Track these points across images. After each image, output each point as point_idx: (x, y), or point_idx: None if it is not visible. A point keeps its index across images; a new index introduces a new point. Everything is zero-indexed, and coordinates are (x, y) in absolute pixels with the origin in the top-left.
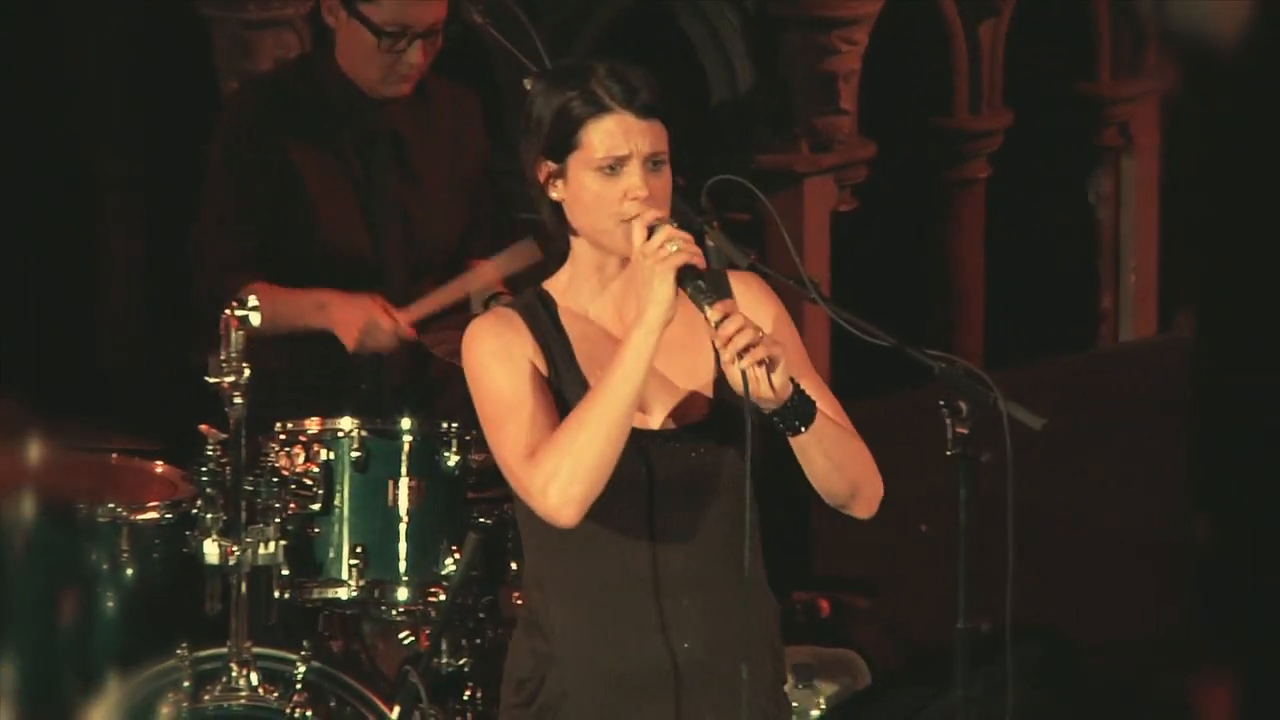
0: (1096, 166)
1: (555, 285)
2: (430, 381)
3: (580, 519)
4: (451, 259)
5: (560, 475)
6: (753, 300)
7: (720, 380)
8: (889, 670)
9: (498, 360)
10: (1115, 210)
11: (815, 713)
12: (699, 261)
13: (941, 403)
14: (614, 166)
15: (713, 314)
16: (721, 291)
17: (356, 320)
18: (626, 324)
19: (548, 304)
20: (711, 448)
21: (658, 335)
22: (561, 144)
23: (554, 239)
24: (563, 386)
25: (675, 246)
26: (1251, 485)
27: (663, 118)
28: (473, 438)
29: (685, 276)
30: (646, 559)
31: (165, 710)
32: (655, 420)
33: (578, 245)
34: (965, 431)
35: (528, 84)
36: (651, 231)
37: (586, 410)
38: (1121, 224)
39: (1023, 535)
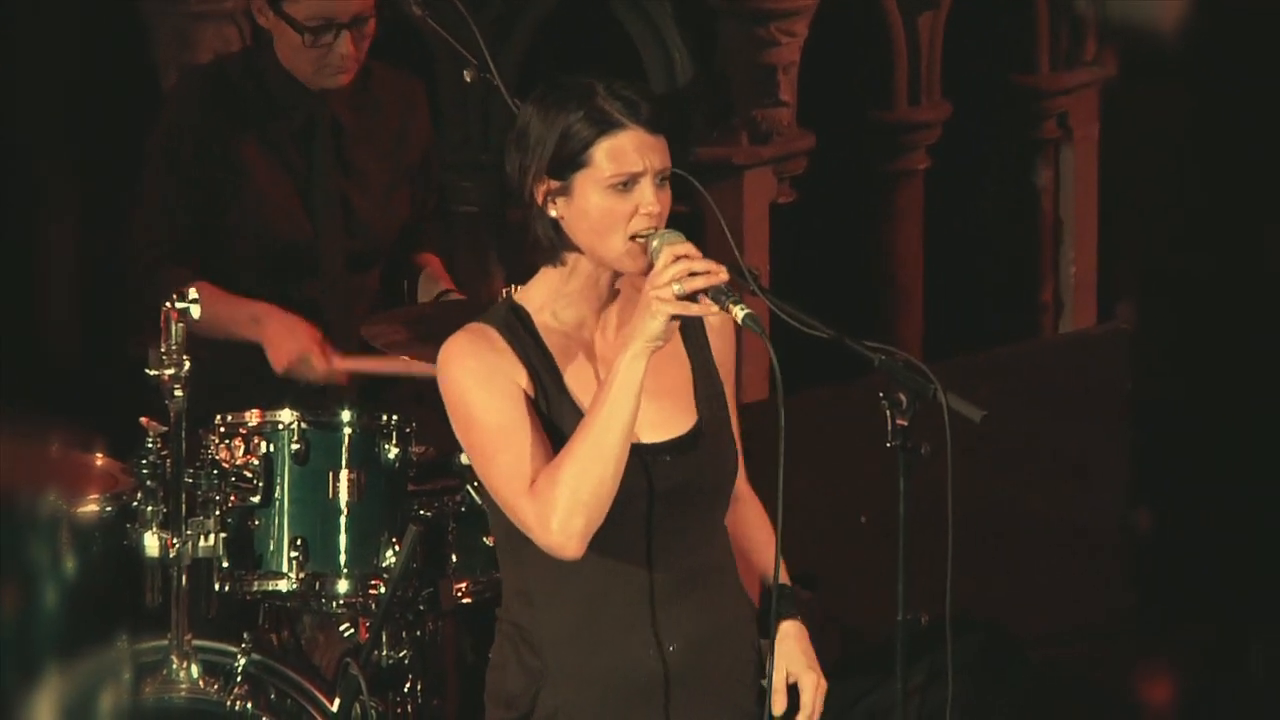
0: (1035, 158)
1: (529, 297)
2: (364, 384)
3: (583, 549)
4: (398, 248)
5: (560, 510)
6: (720, 330)
7: (700, 390)
8: (829, 661)
9: (481, 385)
10: (1054, 202)
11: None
12: (704, 283)
13: (881, 394)
14: (626, 184)
15: (737, 311)
16: (733, 292)
17: (290, 349)
18: (610, 340)
19: (524, 319)
20: (699, 458)
21: (644, 363)
22: (568, 162)
23: (542, 253)
24: (551, 407)
25: (678, 289)
26: (1189, 476)
27: (667, 132)
28: (413, 430)
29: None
30: (640, 570)
31: (106, 702)
32: (645, 434)
33: (574, 260)
34: (905, 423)
35: (467, 76)
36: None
37: (582, 442)
38: (1061, 215)
39: (962, 527)
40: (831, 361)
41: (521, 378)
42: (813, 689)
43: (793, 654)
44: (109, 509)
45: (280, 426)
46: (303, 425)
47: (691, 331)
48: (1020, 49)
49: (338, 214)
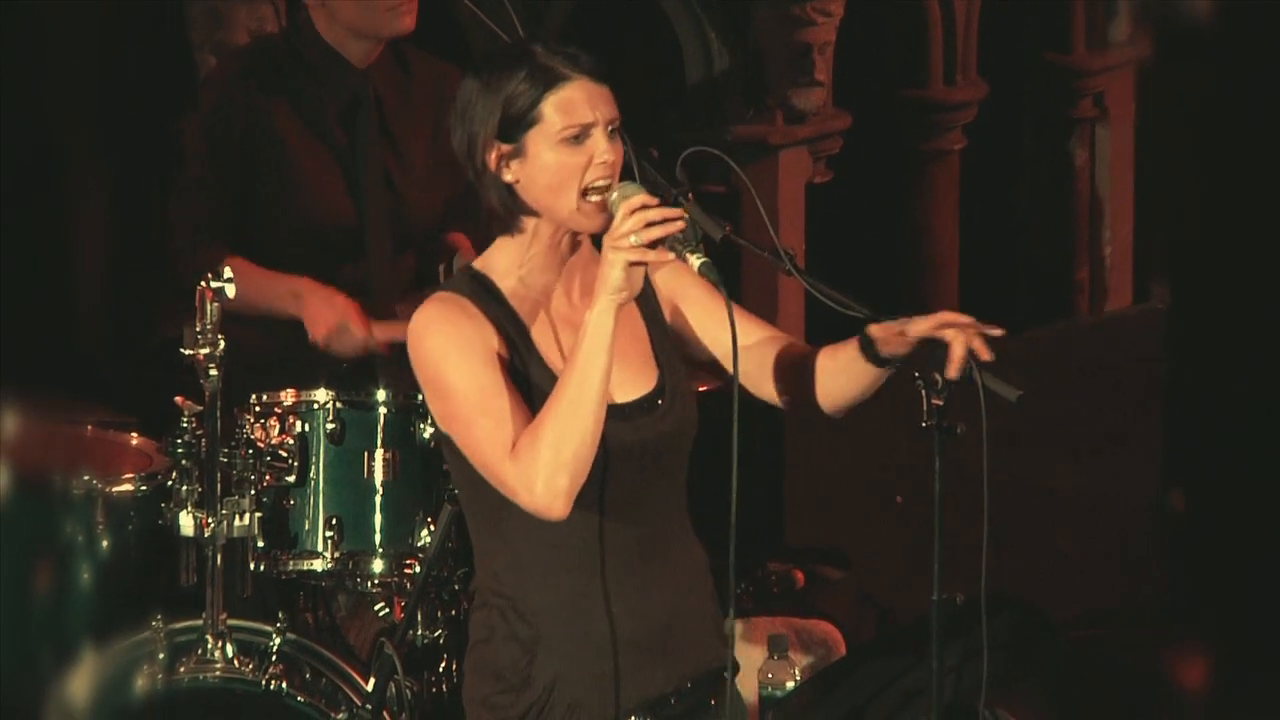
0: (1071, 138)
1: (491, 266)
2: (407, 354)
3: (569, 509)
4: (433, 233)
5: (544, 470)
6: (665, 285)
7: (658, 350)
8: (863, 641)
9: (458, 351)
10: (1090, 181)
11: (790, 684)
12: (660, 233)
13: (916, 374)
14: (579, 136)
15: (694, 260)
16: (689, 240)
17: (329, 319)
18: (577, 303)
19: (489, 285)
20: (665, 416)
21: (612, 316)
22: (517, 122)
23: (499, 222)
24: (527, 369)
25: (635, 239)
26: (1225, 456)
27: (611, 83)
28: None
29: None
30: (621, 528)
31: (140, 682)
32: (616, 394)
33: (533, 225)
34: (940, 403)
35: None
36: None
37: (559, 401)
38: (1097, 195)
39: (997, 506)
40: None
41: (495, 341)
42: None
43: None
44: (144, 488)
45: (315, 406)
46: (338, 404)
47: (644, 296)
48: (1056, 28)
49: (383, 193)
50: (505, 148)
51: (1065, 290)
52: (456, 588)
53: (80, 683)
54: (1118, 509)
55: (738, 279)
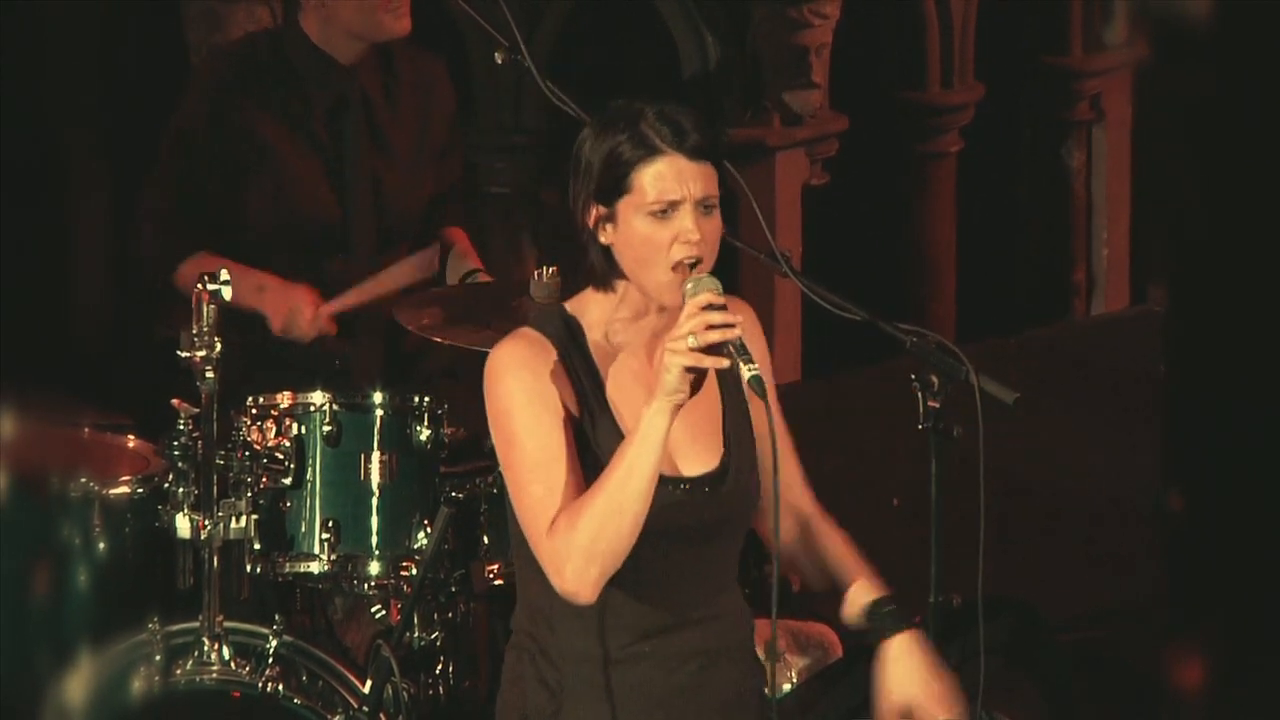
0: (1068, 140)
1: (585, 313)
2: (403, 355)
3: (596, 596)
4: (423, 224)
5: (576, 558)
6: (750, 331)
7: (729, 426)
8: (860, 643)
9: (530, 404)
10: (1087, 183)
11: (786, 686)
12: (719, 337)
13: (913, 377)
14: (665, 210)
15: (745, 372)
16: (745, 351)
17: (281, 309)
18: (657, 366)
19: (577, 334)
20: (725, 495)
21: (667, 418)
22: (612, 188)
23: (596, 279)
24: (594, 431)
25: (693, 341)
26: (1223, 457)
27: (714, 160)
28: (445, 411)
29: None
30: (660, 599)
31: (137, 684)
32: (682, 467)
33: (624, 286)
34: (937, 405)
35: (498, 57)
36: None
37: (601, 494)
38: (1094, 197)
39: (995, 509)
40: (864, 343)
41: (569, 397)
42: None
43: (907, 677)
44: (140, 491)
45: (312, 408)
46: (334, 407)
47: (731, 380)
48: (1053, 30)
49: (368, 191)
50: (602, 210)
51: (1062, 292)
52: (453, 590)
53: (77, 685)
54: (1115, 510)
55: (735, 281)
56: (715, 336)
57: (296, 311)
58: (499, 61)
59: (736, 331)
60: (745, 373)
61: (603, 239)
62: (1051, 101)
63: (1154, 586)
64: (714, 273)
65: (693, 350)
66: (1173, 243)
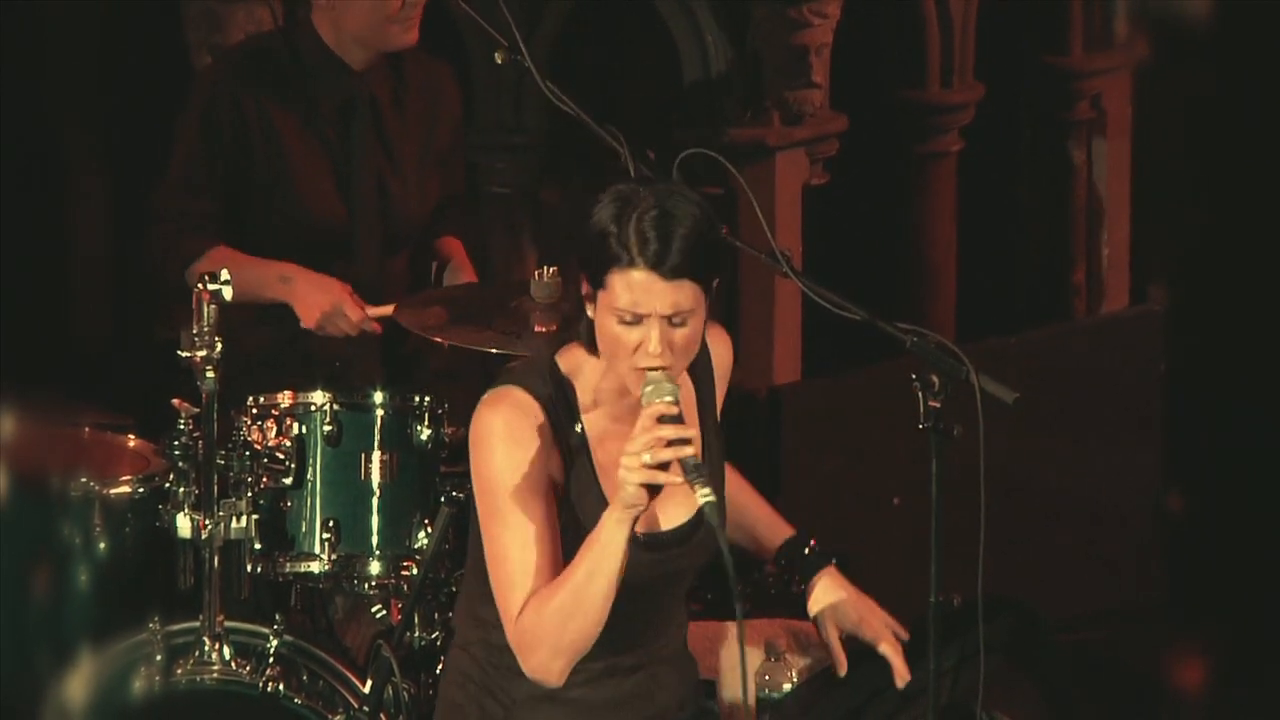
0: (1068, 140)
1: (578, 374)
2: (403, 355)
3: (563, 680)
4: (424, 233)
5: (543, 650)
6: (723, 362)
7: (708, 460)
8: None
9: (513, 478)
10: (1088, 183)
11: (786, 685)
12: (670, 455)
13: (914, 376)
14: (632, 320)
15: (699, 494)
16: (700, 472)
17: (321, 302)
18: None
19: (569, 396)
20: (695, 545)
21: (626, 528)
22: (594, 275)
23: (587, 344)
24: (580, 499)
25: (648, 459)
26: (1223, 458)
27: (695, 275)
28: (445, 411)
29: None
30: (622, 636)
31: (138, 684)
32: (660, 519)
33: (610, 361)
34: (937, 405)
35: (498, 57)
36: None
37: (565, 594)
38: (1094, 197)
39: (995, 509)
40: (864, 343)
41: (555, 463)
42: (893, 647)
43: (840, 608)
44: (141, 490)
45: (312, 408)
46: (335, 406)
47: (705, 399)
48: (1053, 30)
49: (374, 195)
50: (587, 287)
51: (1062, 292)
52: (454, 590)
53: (77, 684)
54: (1115, 510)
55: (735, 281)
56: (667, 455)
57: (339, 311)
58: (499, 61)
59: (690, 450)
60: (700, 495)
61: (589, 312)
62: (1052, 101)
63: (1154, 586)
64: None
65: (647, 467)
66: (1173, 243)
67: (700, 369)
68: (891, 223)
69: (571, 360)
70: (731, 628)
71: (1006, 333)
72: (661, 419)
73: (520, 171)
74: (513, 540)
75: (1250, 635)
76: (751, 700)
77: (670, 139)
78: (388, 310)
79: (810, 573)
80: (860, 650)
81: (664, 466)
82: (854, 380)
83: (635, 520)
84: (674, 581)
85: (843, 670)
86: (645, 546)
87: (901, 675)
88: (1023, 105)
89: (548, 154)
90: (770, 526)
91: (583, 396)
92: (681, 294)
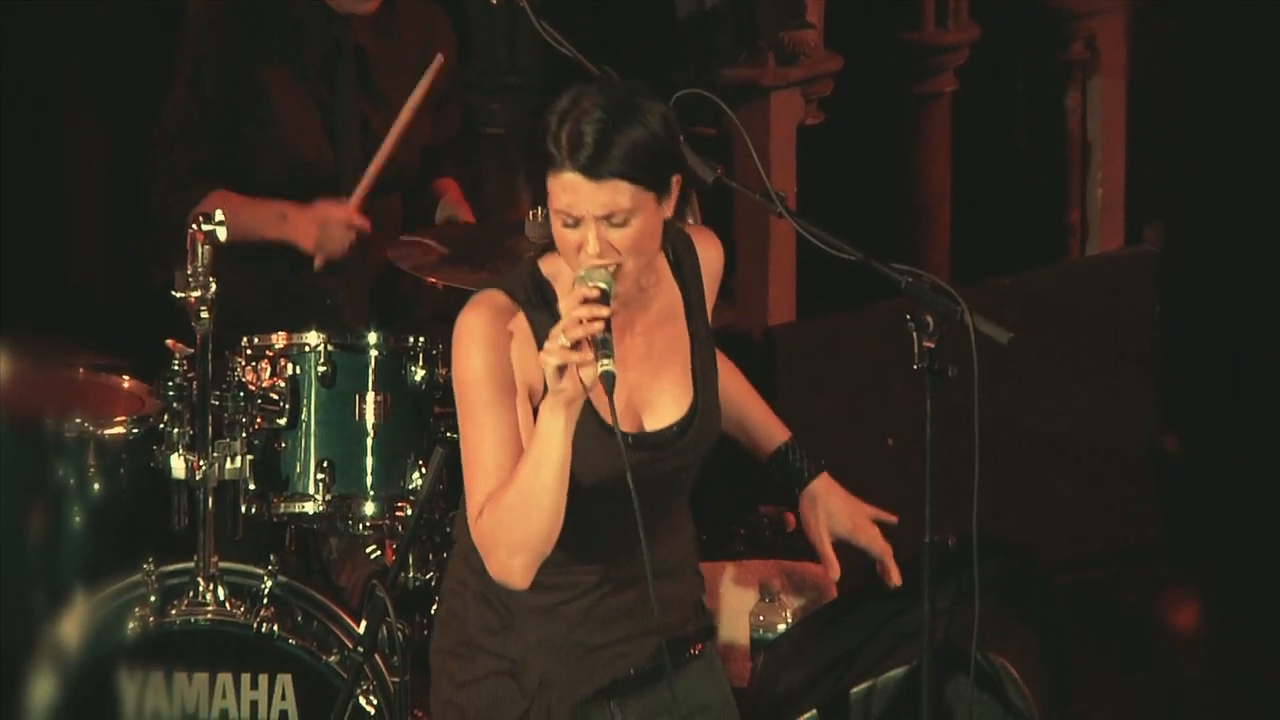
0: (1063, 81)
1: (559, 276)
2: (396, 295)
3: (530, 581)
4: (419, 174)
5: (499, 550)
6: (712, 266)
7: (697, 364)
8: (855, 583)
9: (488, 378)
10: (1082, 124)
11: (781, 626)
12: (581, 333)
13: (908, 317)
14: (570, 222)
15: (599, 366)
16: (607, 348)
17: (312, 228)
18: (633, 332)
19: (548, 297)
20: (691, 440)
21: (561, 415)
22: (538, 177)
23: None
24: None
25: (563, 340)
26: (1218, 397)
27: (629, 176)
28: (439, 352)
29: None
30: (623, 542)
31: (131, 625)
32: (644, 421)
33: None
34: (932, 346)
35: None
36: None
37: (514, 489)
38: (1089, 138)
39: (989, 449)
40: (858, 284)
41: (532, 362)
42: (878, 542)
43: (834, 514)
44: (135, 431)
45: (306, 349)
46: (329, 347)
47: (693, 296)
48: None
49: (358, 139)
50: (543, 193)
51: (1057, 232)
52: (448, 530)
53: (71, 625)
54: (1110, 450)
55: (730, 222)
56: (579, 333)
57: (326, 219)
58: (493, 2)
59: (597, 326)
60: (598, 368)
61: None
62: (1047, 42)
63: (1149, 528)
64: (710, 214)
65: (562, 348)
66: (1168, 183)
67: (687, 273)
68: (887, 163)
69: (554, 264)
70: (727, 569)
71: (1001, 273)
72: (584, 302)
73: (515, 112)
74: (481, 441)
75: (1246, 576)
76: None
77: (666, 79)
78: (358, 195)
79: (804, 480)
80: (855, 591)
81: (578, 346)
82: (849, 321)
83: (573, 406)
84: (666, 486)
85: (835, 574)
86: (634, 446)
87: (893, 578)
88: (1018, 46)
89: (543, 95)
90: (765, 426)
91: (562, 295)
92: (615, 194)
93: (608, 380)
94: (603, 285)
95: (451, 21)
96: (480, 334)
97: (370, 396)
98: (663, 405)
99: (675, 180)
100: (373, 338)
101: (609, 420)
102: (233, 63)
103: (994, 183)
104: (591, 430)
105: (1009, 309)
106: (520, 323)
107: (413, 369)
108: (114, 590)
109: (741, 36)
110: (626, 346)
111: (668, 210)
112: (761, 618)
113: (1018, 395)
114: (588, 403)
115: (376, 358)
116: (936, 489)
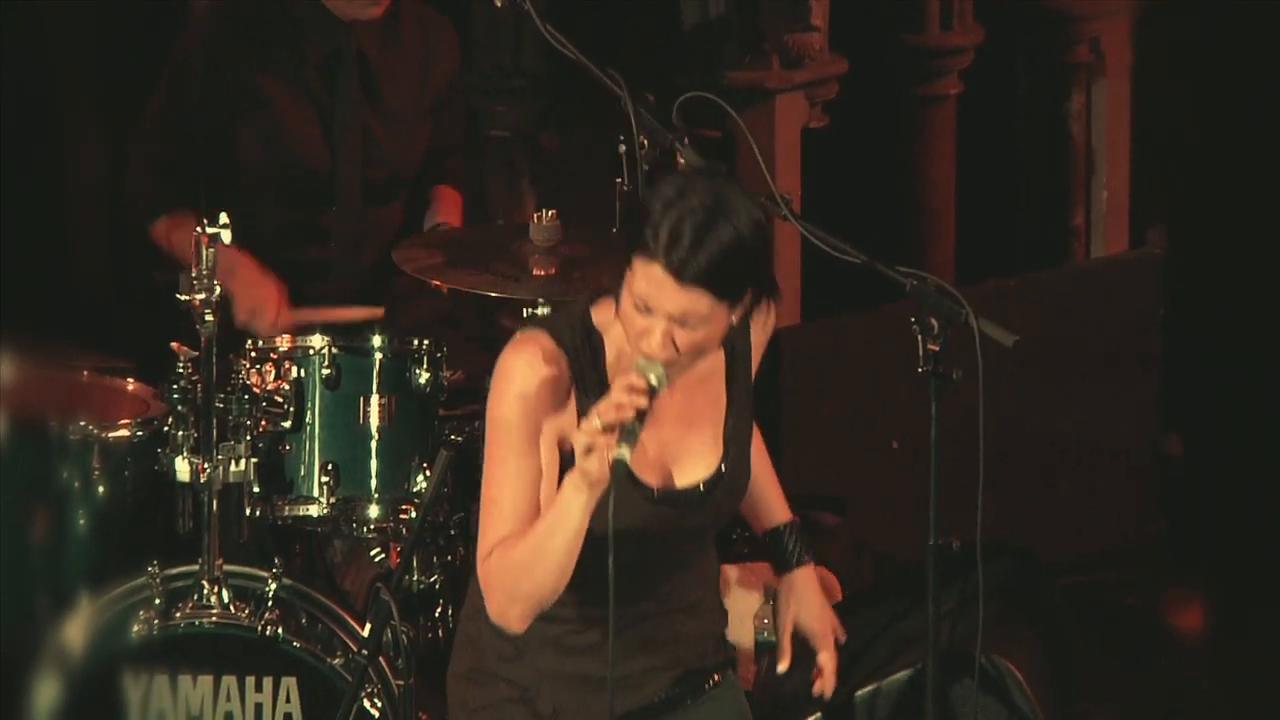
0: (1068, 83)
1: (609, 329)
2: (397, 294)
3: (525, 627)
4: (419, 180)
5: (499, 595)
6: (763, 334)
7: (730, 425)
8: (860, 587)
9: (518, 415)
10: (1087, 127)
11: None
12: (614, 417)
13: (913, 320)
14: (645, 308)
15: (617, 451)
16: (630, 438)
17: (246, 303)
18: (673, 395)
19: (596, 347)
20: (716, 502)
21: (582, 494)
22: (629, 249)
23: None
24: None
25: (598, 423)
26: (1222, 399)
27: (714, 289)
28: (444, 355)
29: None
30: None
31: (136, 628)
32: (675, 478)
33: None
34: (937, 348)
35: (497, 1)
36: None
37: (528, 544)
38: (1093, 141)
39: (994, 452)
40: (863, 286)
41: (571, 412)
42: (830, 650)
43: (806, 608)
44: (140, 434)
45: (311, 351)
46: (333, 350)
47: (738, 352)
48: None
49: (357, 145)
50: (626, 260)
51: (1061, 235)
52: (452, 533)
53: (76, 628)
54: (1114, 452)
55: None
56: (612, 418)
57: (260, 309)
58: (498, 4)
59: (630, 415)
60: (615, 452)
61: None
62: (1051, 44)
63: (1152, 529)
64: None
65: (594, 430)
66: (1172, 185)
67: (737, 340)
68: (891, 166)
69: (606, 314)
70: (731, 571)
71: (1006, 276)
72: (630, 389)
73: (519, 115)
74: (503, 483)
75: (1249, 576)
76: None
77: (670, 82)
78: (310, 315)
79: (791, 565)
80: (860, 594)
81: (612, 430)
82: (853, 323)
83: (596, 488)
84: (689, 537)
85: (783, 667)
86: (658, 502)
87: (825, 686)
88: (1022, 48)
89: (547, 97)
90: (772, 502)
91: (610, 351)
92: (695, 302)
93: (618, 468)
94: (653, 381)
95: (455, 25)
96: (520, 377)
97: (375, 399)
98: (691, 464)
99: (748, 294)
100: (377, 340)
101: (637, 477)
102: (223, 64)
103: (998, 185)
104: (615, 482)
105: (1013, 311)
106: (563, 369)
107: (417, 371)
108: (119, 593)
109: (746, 39)
110: (664, 403)
111: (736, 318)
112: (765, 620)
113: (1022, 397)
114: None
115: (381, 360)
116: (941, 491)
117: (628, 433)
